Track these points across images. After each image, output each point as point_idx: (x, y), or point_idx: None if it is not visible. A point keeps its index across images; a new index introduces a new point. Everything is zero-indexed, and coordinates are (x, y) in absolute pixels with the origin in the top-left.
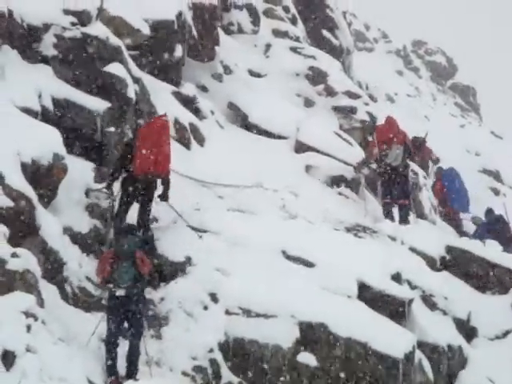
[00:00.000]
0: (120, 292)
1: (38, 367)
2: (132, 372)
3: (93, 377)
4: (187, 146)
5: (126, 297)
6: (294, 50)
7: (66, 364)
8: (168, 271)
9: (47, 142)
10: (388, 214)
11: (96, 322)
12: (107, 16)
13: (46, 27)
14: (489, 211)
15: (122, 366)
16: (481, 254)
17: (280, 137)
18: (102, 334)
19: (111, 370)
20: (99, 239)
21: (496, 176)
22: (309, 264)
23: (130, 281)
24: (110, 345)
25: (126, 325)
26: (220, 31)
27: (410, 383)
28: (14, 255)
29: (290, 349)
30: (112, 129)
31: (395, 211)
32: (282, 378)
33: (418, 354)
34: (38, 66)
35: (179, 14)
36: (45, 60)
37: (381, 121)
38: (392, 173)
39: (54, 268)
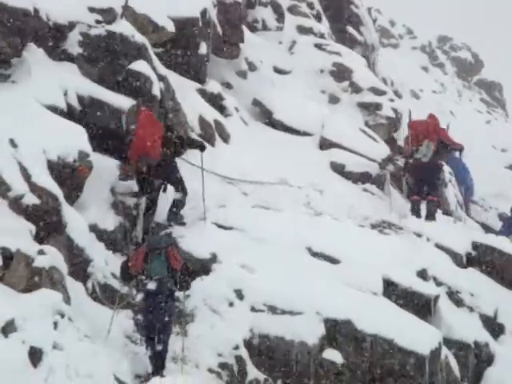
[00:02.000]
0: (151, 285)
1: (64, 364)
2: (159, 369)
3: (119, 373)
4: (212, 142)
5: (157, 292)
6: (318, 46)
7: (93, 361)
8: (193, 268)
9: (73, 139)
10: (415, 211)
11: (122, 319)
12: (132, 14)
13: (72, 25)
14: None
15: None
16: (507, 250)
17: (305, 133)
18: (127, 330)
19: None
20: (125, 236)
21: None
22: (334, 261)
23: (161, 274)
24: (149, 340)
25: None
26: (245, 28)
27: (437, 380)
28: (40, 252)
29: (316, 346)
30: None
31: (423, 208)
32: (307, 375)
33: (445, 351)
34: (63, 63)
35: (204, 11)
36: (70, 58)
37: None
38: (422, 169)
39: (80, 265)
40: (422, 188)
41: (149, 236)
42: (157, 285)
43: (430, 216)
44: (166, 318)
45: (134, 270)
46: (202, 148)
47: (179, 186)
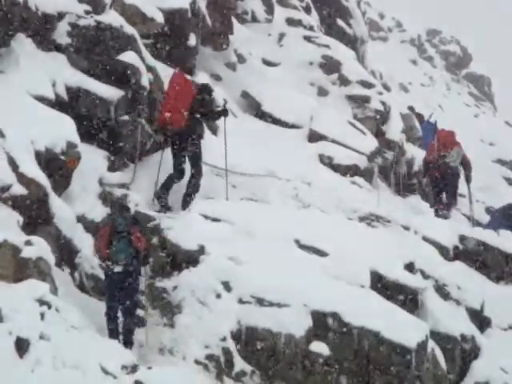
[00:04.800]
0: (118, 268)
1: (51, 355)
2: (127, 341)
3: (106, 364)
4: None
5: (123, 273)
6: (307, 39)
7: (80, 351)
8: (181, 260)
9: (61, 130)
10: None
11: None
12: (121, 4)
13: (61, 15)
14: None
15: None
16: (494, 243)
17: (293, 126)
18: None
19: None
20: None
21: (510, 166)
22: (322, 253)
23: (127, 257)
24: (110, 320)
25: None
26: (234, 20)
27: (423, 373)
28: (27, 243)
29: (303, 338)
30: (125, 117)
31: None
32: (294, 367)
33: (431, 344)
34: (52, 54)
35: (193, 3)
36: (59, 48)
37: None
38: (446, 175)
39: (67, 256)
40: (441, 194)
41: (109, 217)
42: (123, 268)
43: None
44: (130, 298)
45: (98, 255)
46: (225, 113)
47: (197, 163)
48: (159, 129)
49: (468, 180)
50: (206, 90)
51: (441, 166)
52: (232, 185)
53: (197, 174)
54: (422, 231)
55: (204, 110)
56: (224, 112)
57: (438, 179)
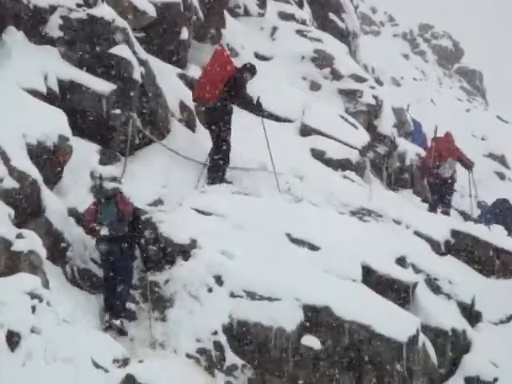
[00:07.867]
0: (104, 231)
1: (42, 348)
2: (118, 312)
3: (97, 358)
4: (192, 128)
5: (110, 237)
6: (300, 33)
7: (71, 345)
8: (173, 253)
9: (53, 123)
10: None
11: (101, 302)
12: None
13: (53, 8)
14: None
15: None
16: (486, 238)
17: (285, 120)
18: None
19: (109, 306)
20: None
21: (502, 160)
22: (313, 247)
23: (111, 218)
24: (108, 288)
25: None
26: (226, 13)
27: (414, 367)
28: (19, 236)
29: (294, 332)
30: (117, 111)
31: None
32: (285, 361)
33: (422, 338)
34: (43, 47)
35: None
36: (51, 41)
37: (433, 132)
38: (440, 183)
39: (58, 249)
40: (436, 196)
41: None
42: (108, 229)
43: None
44: (126, 261)
45: (86, 218)
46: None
47: (220, 138)
48: (194, 101)
49: (469, 167)
50: (248, 69)
51: (436, 173)
52: None
53: (223, 151)
54: (414, 225)
55: (235, 91)
56: (258, 107)
57: (433, 184)
